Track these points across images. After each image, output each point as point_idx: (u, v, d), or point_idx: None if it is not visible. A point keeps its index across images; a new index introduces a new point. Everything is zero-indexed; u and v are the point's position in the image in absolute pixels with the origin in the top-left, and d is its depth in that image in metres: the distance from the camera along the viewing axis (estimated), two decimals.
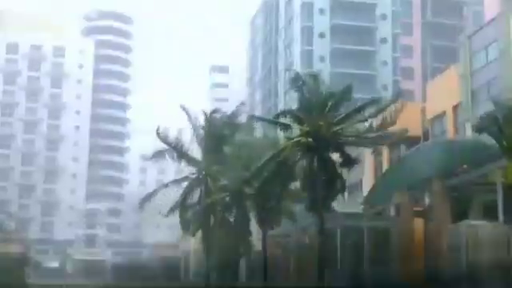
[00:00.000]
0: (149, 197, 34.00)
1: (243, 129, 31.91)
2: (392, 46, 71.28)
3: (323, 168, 22.40)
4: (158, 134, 33.08)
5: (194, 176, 33.00)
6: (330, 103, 22.16)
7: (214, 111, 33.80)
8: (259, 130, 33.02)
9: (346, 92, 22.50)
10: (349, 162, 22.68)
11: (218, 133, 31.78)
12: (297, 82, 23.15)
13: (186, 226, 33.89)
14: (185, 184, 33.57)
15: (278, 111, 27.42)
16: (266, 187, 24.28)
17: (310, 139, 21.70)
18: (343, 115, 22.40)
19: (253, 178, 26.95)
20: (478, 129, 21.85)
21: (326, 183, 22.63)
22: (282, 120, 23.85)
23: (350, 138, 22.52)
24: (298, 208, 28.53)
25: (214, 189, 30.92)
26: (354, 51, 68.32)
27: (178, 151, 32.77)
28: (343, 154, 22.71)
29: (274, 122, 24.06)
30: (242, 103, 37.06)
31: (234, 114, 33.00)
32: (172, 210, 33.26)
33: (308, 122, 22.39)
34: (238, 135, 30.83)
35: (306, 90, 22.90)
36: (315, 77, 23.41)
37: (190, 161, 33.00)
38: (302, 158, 22.67)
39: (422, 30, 70.99)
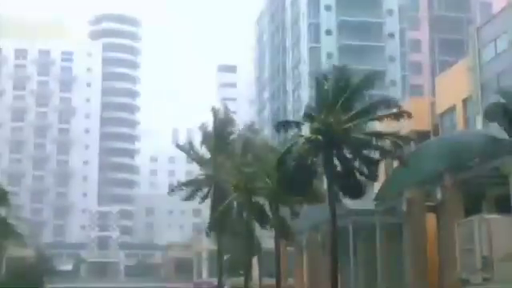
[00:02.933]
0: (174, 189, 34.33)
1: (253, 128, 31.96)
2: (400, 40, 71.00)
3: (337, 165, 22.28)
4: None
5: (203, 177, 33.08)
6: (341, 100, 21.97)
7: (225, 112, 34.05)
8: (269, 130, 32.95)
9: (359, 87, 22.30)
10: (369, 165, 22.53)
11: (228, 133, 31.86)
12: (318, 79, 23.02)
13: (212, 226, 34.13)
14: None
15: (286, 109, 27.24)
16: (279, 185, 24.18)
17: (320, 137, 21.58)
18: (354, 113, 22.22)
19: (264, 176, 26.92)
20: (488, 116, 21.65)
21: (341, 180, 22.48)
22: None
23: (361, 137, 22.33)
24: (310, 205, 28.46)
25: (224, 188, 30.92)
26: (361, 47, 68.10)
27: (190, 154, 33.17)
28: (359, 155, 22.52)
29: (293, 123, 23.85)
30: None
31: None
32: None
33: (319, 119, 22.25)
34: (248, 134, 30.84)
35: (318, 87, 22.71)
36: (325, 74, 23.23)
37: (201, 162, 33.18)
38: (315, 156, 22.51)
39: (429, 23, 70.60)
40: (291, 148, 22.29)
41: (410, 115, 22.15)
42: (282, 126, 23.56)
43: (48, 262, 66.23)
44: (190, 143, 34.53)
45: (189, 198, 33.86)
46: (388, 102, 22.72)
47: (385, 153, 22.81)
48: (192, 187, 33.87)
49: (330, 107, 22.01)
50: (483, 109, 27.98)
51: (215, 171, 31.85)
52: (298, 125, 23.11)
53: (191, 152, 33.89)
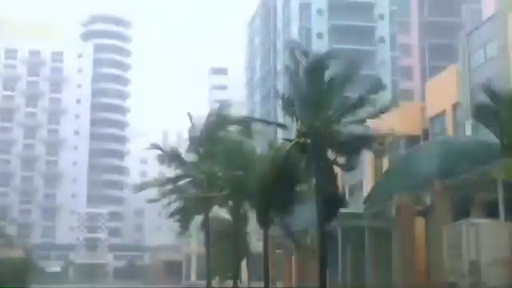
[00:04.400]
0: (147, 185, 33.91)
1: (241, 130, 31.61)
2: (390, 45, 71.29)
3: (323, 168, 22.20)
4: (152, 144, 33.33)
5: (189, 178, 32.63)
6: (326, 100, 21.85)
7: (211, 113, 33.65)
8: (257, 130, 32.58)
9: (343, 86, 22.17)
10: (350, 165, 22.49)
11: (215, 134, 31.53)
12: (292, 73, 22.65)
13: (184, 227, 33.79)
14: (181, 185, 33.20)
15: (277, 113, 26.98)
16: (268, 188, 24.07)
17: (308, 140, 21.54)
18: (339, 114, 22.13)
19: (252, 178, 26.79)
20: (477, 117, 21.74)
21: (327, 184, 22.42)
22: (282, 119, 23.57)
23: (347, 139, 22.31)
24: (299, 208, 28.43)
25: (210, 190, 30.53)
26: (352, 51, 68.18)
27: (171, 155, 32.78)
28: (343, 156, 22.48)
29: (272, 123, 23.89)
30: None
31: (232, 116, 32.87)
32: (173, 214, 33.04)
33: (304, 121, 22.15)
34: (236, 136, 30.48)
35: (301, 84, 22.45)
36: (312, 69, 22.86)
37: (184, 164, 32.73)
38: (301, 159, 22.44)
39: (419, 28, 71.02)
40: (278, 151, 22.27)
41: (396, 104, 22.13)
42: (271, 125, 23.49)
43: (31, 261, 65.46)
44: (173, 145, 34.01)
45: (156, 200, 33.14)
46: (371, 100, 22.59)
47: (372, 150, 22.79)
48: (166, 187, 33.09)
49: (315, 108, 21.93)
50: (472, 113, 28.10)
51: (200, 173, 31.35)
52: (283, 127, 23.08)
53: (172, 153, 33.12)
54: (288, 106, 22.68)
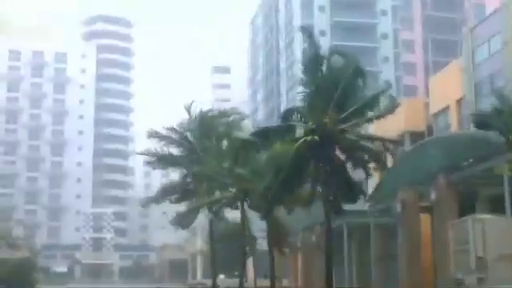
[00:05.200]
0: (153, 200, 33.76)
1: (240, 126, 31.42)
2: (393, 41, 71.13)
3: (331, 166, 22.16)
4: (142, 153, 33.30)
5: (188, 178, 32.42)
6: (335, 99, 21.73)
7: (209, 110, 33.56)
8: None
9: (353, 86, 22.03)
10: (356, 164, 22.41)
11: (215, 131, 31.38)
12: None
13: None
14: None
15: (281, 110, 26.76)
16: (274, 186, 24.03)
17: (316, 137, 21.44)
18: (348, 112, 22.00)
19: (258, 176, 26.73)
20: (479, 124, 21.78)
21: (335, 181, 22.38)
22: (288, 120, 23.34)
23: (355, 138, 22.26)
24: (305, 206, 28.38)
25: (212, 188, 30.32)
26: (355, 48, 68.05)
27: (164, 156, 32.69)
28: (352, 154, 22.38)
29: (278, 127, 23.72)
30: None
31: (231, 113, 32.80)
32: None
33: (313, 118, 22.05)
34: (237, 133, 30.23)
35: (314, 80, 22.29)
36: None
37: (177, 163, 32.57)
38: (310, 157, 22.35)
39: (422, 24, 70.81)
40: (285, 148, 22.17)
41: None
42: (274, 131, 23.41)
43: (36, 262, 65.44)
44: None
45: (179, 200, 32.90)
46: (378, 101, 22.50)
47: (377, 155, 22.71)
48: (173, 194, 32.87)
49: (324, 106, 21.84)
50: (477, 109, 28.03)
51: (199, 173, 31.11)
52: (291, 127, 22.92)
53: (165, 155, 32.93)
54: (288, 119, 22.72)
